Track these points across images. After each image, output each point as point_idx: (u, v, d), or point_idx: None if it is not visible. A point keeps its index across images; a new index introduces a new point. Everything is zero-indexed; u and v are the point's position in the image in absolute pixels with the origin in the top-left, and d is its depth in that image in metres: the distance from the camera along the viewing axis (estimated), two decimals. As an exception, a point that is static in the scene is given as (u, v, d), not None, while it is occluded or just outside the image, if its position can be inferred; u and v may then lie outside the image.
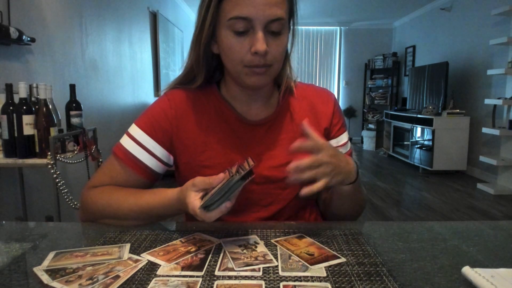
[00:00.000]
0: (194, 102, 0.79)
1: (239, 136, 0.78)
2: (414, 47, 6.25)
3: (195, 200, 0.60)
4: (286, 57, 0.78)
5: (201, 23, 0.71)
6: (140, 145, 0.76)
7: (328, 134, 0.84)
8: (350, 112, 7.16)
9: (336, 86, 7.27)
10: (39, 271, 0.53)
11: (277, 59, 0.70)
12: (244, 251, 0.59)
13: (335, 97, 0.86)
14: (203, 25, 0.71)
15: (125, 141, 0.77)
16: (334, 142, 0.84)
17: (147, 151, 0.76)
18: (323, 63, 7.24)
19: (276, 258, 0.57)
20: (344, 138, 0.85)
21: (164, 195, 0.70)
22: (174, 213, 0.70)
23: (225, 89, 0.81)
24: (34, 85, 1.66)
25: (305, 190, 0.62)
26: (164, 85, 4.54)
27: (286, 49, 0.75)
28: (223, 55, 0.72)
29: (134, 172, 0.76)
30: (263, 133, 0.79)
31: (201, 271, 0.53)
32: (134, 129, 0.78)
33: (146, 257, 0.57)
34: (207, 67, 0.77)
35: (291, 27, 0.76)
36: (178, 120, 0.78)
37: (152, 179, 0.79)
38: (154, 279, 0.51)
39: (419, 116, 4.78)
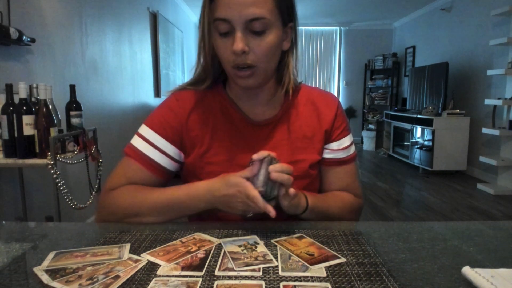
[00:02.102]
0: (201, 101, 0.81)
1: (244, 135, 0.80)
2: (414, 47, 6.25)
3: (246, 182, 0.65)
4: (287, 56, 0.78)
5: (201, 26, 0.73)
6: (152, 144, 0.77)
7: (329, 137, 0.84)
8: (350, 112, 7.15)
9: (336, 86, 7.27)
10: (39, 271, 0.53)
11: (261, 59, 0.70)
12: (244, 251, 0.59)
13: (339, 101, 0.87)
14: (203, 28, 0.72)
15: (136, 142, 0.78)
16: (335, 145, 0.84)
17: (159, 150, 0.78)
18: (323, 63, 7.24)
19: (276, 258, 0.57)
20: (346, 141, 0.85)
21: (192, 186, 0.72)
22: (198, 205, 0.71)
23: (230, 89, 0.83)
24: (34, 85, 1.66)
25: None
26: (164, 85, 4.54)
27: (282, 47, 0.75)
28: (218, 56, 0.74)
29: (148, 171, 0.77)
30: (267, 133, 0.81)
31: (201, 271, 0.53)
32: (144, 129, 0.79)
33: (146, 257, 0.57)
34: (215, 68, 0.78)
35: (290, 24, 0.75)
36: (186, 119, 0.80)
37: (166, 178, 0.80)
38: (154, 279, 0.51)
39: (419, 116, 4.77)
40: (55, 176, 1.53)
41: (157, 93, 4.40)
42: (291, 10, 0.74)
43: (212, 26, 0.70)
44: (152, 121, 0.80)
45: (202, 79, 0.80)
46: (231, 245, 0.61)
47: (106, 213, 0.75)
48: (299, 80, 0.85)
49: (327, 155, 0.84)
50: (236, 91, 0.81)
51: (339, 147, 0.84)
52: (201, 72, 0.79)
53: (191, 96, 0.81)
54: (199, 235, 0.66)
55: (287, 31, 0.75)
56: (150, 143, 0.77)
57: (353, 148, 0.87)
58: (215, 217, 0.80)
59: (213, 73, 0.79)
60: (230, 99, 0.81)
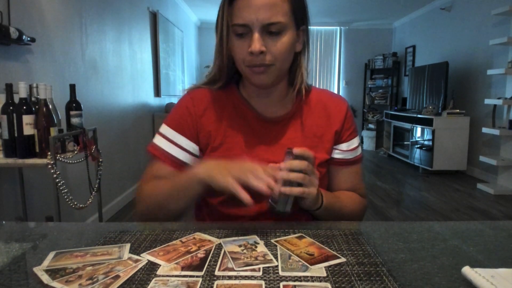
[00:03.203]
0: (215, 99, 0.85)
1: (256, 132, 0.83)
2: (414, 47, 6.25)
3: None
4: (299, 57, 0.81)
5: (219, 28, 0.76)
6: (173, 143, 0.82)
7: (339, 138, 0.87)
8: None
9: (336, 86, 7.26)
10: (39, 271, 0.53)
11: (277, 58, 0.73)
12: (244, 251, 0.59)
13: (348, 104, 0.90)
14: (222, 31, 0.75)
15: (159, 141, 0.83)
16: (344, 146, 0.87)
17: (180, 147, 0.82)
18: (323, 63, 7.24)
19: (276, 258, 0.57)
20: (354, 142, 0.88)
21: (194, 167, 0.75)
22: (196, 174, 0.71)
23: (243, 89, 0.86)
24: (34, 85, 1.66)
25: (285, 189, 0.67)
26: (164, 85, 4.54)
27: (295, 48, 0.78)
28: (233, 57, 0.77)
29: (172, 168, 0.81)
30: (278, 130, 0.83)
31: (201, 271, 0.53)
32: (165, 129, 0.84)
33: (146, 257, 0.57)
34: (229, 69, 0.82)
35: (302, 27, 0.78)
36: (201, 117, 0.83)
37: None
38: (154, 279, 0.51)
39: (419, 116, 4.77)
40: (55, 176, 1.53)
41: (157, 93, 4.39)
42: (304, 14, 0.78)
43: (231, 30, 0.74)
44: (171, 120, 0.84)
45: (216, 79, 0.83)
46: (231, 245, 0.61)
47: (138, 204, 0.81)
48: (309, 83, 0.87)
49: (336, 155, 0.87)
50: (250, 90, 0.84)
51: (348, 148, 0.87)
52: (216, 73, 0.82)
53: (205, 94, 0.85)
54: (199, 235, 0.66)
55: (300, 33, 0.78)
56: (171, 141, 0.82)
57: (360, 150, 0.90)
58: (216, 217, 0.80)
59: (227, 74, 0.82)
60: (243, 98, 0.85)
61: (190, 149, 0.83)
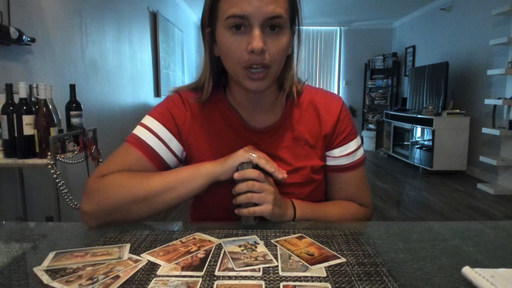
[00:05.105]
0: (203, 107, 0.79)
1: (244, 143, 0.77)
2: (414, 47, 6.25)
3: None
4: (289, 59, 0.75)
5: (202, 24, 0.72)
6: (156, 136, 0.75)
7: (330, 143, 0.81)
8: (350, 112, 7.15)
9: (336, 86, 7.27)
10: (39, 271, 0.53)
11: (275, 59, 0.67)
12: (244, 251, 0.59)
13: (343, 104, 0.82)
14: (204, 26, 0.71)
15: (140, 132, 0.75)
16: (337, 152, 0.81)
17: (164, 143, 0.75)
18: (323, 63, 7.24)
19: (276, 258, 0.57)
20: (350, 146, 0.81)
21: (196, 164, 0.73)
22: (202, 178, 0.69)
23: (230, 95, 0.80)
24: (34, 85, 1.66)
25: (243, 211, 0.69)
26: (164, 85, 4.54)
27: (288, 51, 0.72)
28: (222, 57, 0.71)
29: (151, 162, 0.74)
30: (267, 139, 0.79)
31: (201, 271, 0.53)
32: (149, 120, 0.76)
33: (146, 257, 0.57)
34: (214, 71, 0.76)
35: (296, 27, 0.74)
36: (190, 120, 0.78)
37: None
38: (154, 279, 0.51)
39: (419, 116, 4.77)
40: (55, 176, 1.53)
41: (157, 93, 4.40)
42: (298, 15, 0.73)
43: (223, 24, 0.66)
44: (158, 112, 0.77)
45: (201, 85, 0.77)
46: (231, 245, 0.61)
47: (98, 199, 0.69)
48: (302, 80, 0.82)
49: (329, 162, 0.82)
50: (238, 97, 0.78)
51: (342, 154, 0.81)
52: (202, 73, 0.77)
53: (195, 99, 0.79)
54: (199, 235, 0.66)
55: (292, 35, 0.73)
56: (155, 134, 0.75)
57: (360, 153, 0.83)
58: (215, 218, 0.80)
59: (213, 77, 0.76)
60: (231, 106, 0.79)
61: (173, 149, 0.76)
